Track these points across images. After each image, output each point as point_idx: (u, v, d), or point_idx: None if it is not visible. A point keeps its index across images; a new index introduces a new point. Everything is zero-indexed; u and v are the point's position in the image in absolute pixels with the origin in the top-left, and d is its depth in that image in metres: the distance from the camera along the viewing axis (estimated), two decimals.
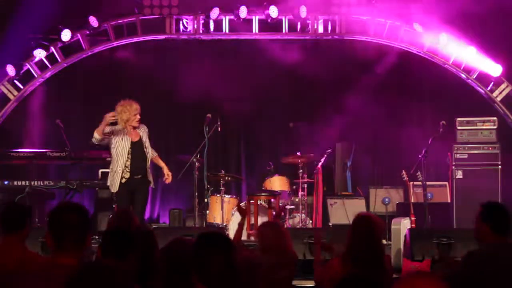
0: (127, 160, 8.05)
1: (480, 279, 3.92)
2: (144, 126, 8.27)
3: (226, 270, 3.20)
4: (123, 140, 8.08)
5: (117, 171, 8.01)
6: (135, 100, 8.15)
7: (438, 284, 2.42)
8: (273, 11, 10.31)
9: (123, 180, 8.03)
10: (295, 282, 6.48)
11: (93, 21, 10.26)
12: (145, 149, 8.20)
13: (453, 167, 10.22)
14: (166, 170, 8.43)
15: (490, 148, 10.24)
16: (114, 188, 8.04)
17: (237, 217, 9.32)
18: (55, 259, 3.28)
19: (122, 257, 3.69)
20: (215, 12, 10.34)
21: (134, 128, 8.14)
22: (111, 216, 7.19)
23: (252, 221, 8.93)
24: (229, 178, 10.33)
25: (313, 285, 6.16)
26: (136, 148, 8.13)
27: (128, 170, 8.05)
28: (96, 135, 7.95)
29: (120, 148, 8.05)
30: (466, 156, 10.24)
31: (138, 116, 8.10)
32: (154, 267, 3.98)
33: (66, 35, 10.21)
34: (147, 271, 3.91)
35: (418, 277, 2.47)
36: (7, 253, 4.30)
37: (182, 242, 3.93)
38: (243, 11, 10.28)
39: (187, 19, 10.66)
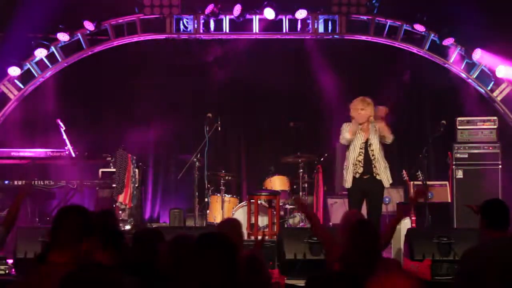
0: (359, 155, 7.92)
1: (473, 272, 4.06)
2: (373, 126, 8.03)
3: (229, 272, 3.17)
4: (357, 136, 7.96)
5: (350, 168, 7.93)
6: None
7: (413, 280, 2.56)
8: (270, 13, 10.28)
9: (357, 175, 7.92)
10: (295, 282, 6.49)
11: (88, 25, 10.26)
12: (372, 149, 7.98)
13: (454, 166, 10.21)
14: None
15: (490, 148, 10.22)
16: (348, 184, 7.97)
17: (238, 216, 9.32)
18: (48, 257, 3.37)
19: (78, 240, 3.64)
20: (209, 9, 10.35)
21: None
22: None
23: (252, 221, 8.94)
24: (229, 178, 10.32)
25: None
26: (368, 145, 7.97)
27: (361, 165, 7.91)
28: (348, 136, 7.92)
29: (353, 145, 7.95)
30: (466, 156, 10.23)
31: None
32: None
33: None
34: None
35: (394, 276, 2.59)
36: None
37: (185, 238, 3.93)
38: (237, 10, 10.24)
39: (187, 18, 10.66)
